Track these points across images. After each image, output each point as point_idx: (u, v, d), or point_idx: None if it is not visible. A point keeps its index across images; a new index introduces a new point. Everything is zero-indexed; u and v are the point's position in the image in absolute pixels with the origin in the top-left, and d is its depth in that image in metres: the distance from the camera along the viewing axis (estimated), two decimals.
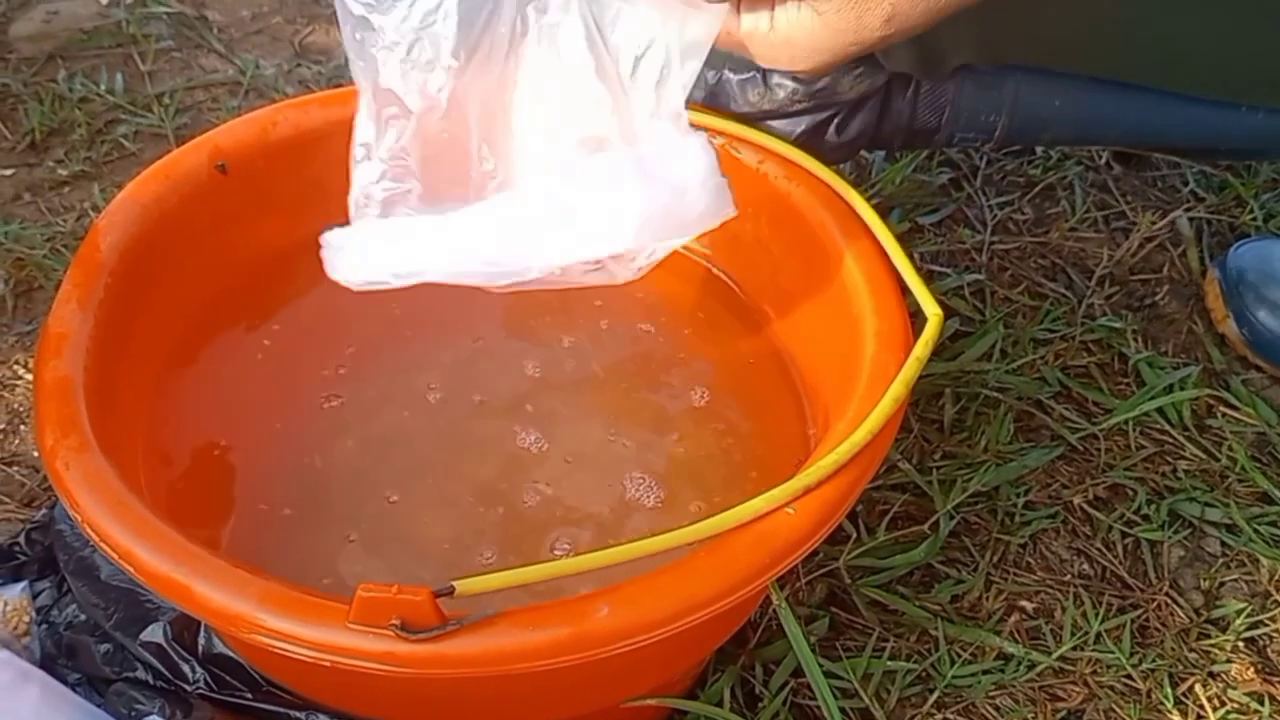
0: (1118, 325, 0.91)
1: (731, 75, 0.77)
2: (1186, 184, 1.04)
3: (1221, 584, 0.78)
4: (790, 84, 0.77)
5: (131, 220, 0.64)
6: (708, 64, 0.78)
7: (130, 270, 0.63)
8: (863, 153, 0.94)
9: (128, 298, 0.62)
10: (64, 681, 0.65)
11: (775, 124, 0.79)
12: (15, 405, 0.84)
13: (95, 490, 0.53)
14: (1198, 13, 0.68)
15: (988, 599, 0.75)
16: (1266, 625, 0.75)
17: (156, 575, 0.50)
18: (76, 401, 0.56)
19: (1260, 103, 0.72)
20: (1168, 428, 0.85)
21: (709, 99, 0.79)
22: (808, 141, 0.81)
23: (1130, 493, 0.81)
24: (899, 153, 1.01)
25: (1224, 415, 0.86)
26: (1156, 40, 0.69)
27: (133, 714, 0.62)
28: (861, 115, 0.79)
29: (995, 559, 0.77)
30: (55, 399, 0.56)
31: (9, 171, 1.01)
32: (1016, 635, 0.74)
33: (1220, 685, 0.72)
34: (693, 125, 0.69)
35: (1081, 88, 0.74)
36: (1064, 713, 0.71)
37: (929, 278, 0.92)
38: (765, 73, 0.78)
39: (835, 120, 0.79)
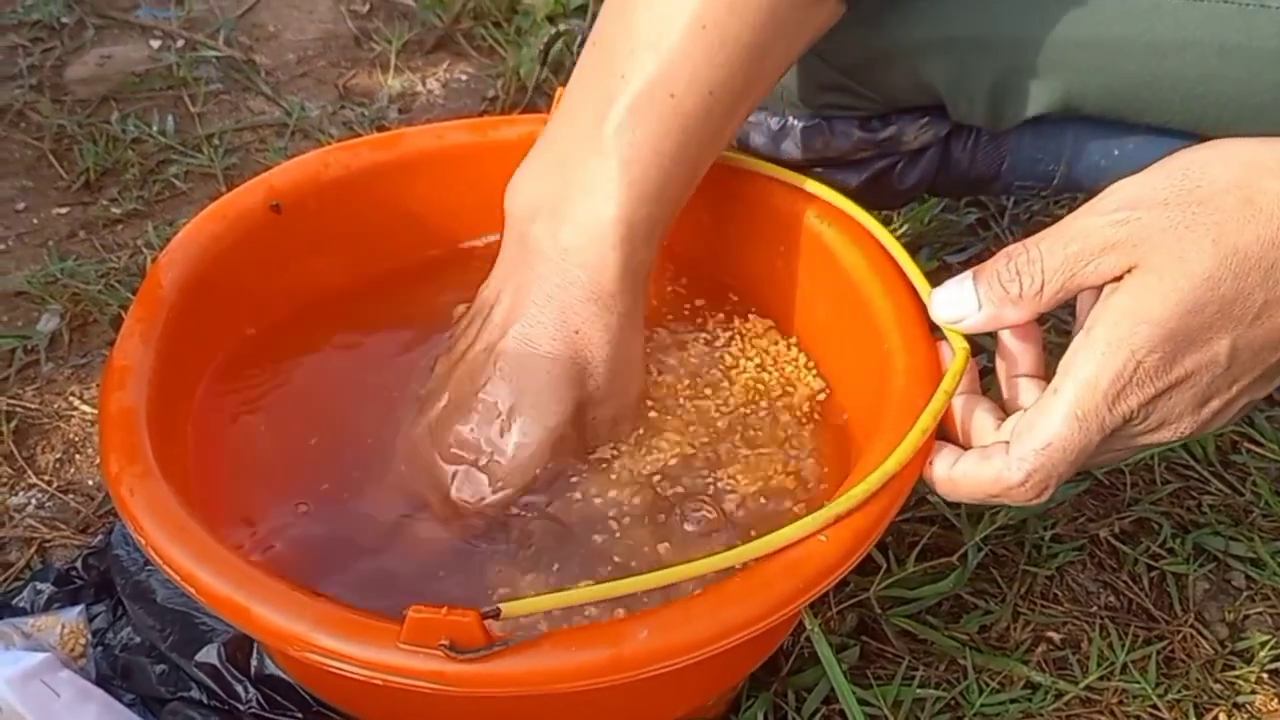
0: None
1: (796, 122, 0.78)
2: None
3: (1246, 616, 0.79)
4: (856, 132, 0.77)
5: (191, 257, 0.67)
6: (772, 109, 0.79)
7: (189, 305, 0.65)
8: None
9: (187, 331, 0.65)
10: (119, 702, 0.67)
11: (838, 173, 0.79)
12: (71, 436, 0.86)
13: (158, 515, 0.55)
14: (1269, 68, 0.68)
15: (1015, 629, 0.77)
16: None
17: (217, 596, 0.52)
18: (140, 430, 0.58)
19: None
20: (1192, 463, 0.87)
21: (770, 144, 0.79)
22: (869, 189, 0.81)
23: (1156, 527, 0.83)
24: (959, 200, 1.02)
25: (1248, 451, 0.88)
26: (1225, 95, 0.69)
27: None
28: (921, 164, 0.80)
29: (1023, 590, 0.79)
30: (119, 428, 0.58)
31: (65, 210, 1.04)
32: (1044, 665, 0.75)
33: (1245, 716, 0.73)
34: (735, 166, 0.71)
35: (1142, 137, 0.74)
36: None
37: None
38: (830, 120, 0.78)
39: (896, 169, 0.80)
